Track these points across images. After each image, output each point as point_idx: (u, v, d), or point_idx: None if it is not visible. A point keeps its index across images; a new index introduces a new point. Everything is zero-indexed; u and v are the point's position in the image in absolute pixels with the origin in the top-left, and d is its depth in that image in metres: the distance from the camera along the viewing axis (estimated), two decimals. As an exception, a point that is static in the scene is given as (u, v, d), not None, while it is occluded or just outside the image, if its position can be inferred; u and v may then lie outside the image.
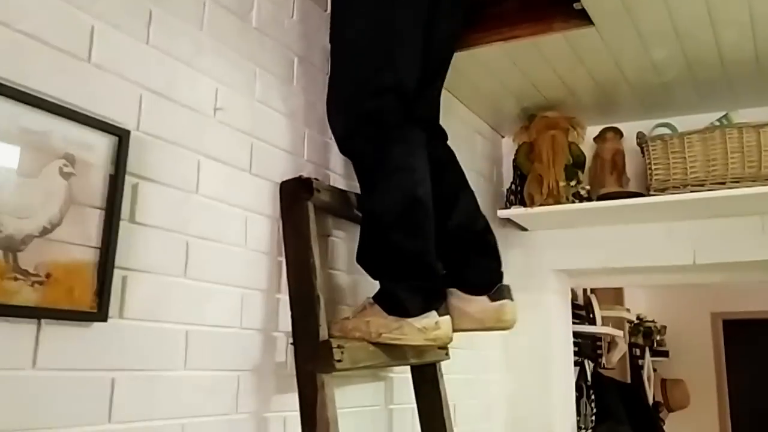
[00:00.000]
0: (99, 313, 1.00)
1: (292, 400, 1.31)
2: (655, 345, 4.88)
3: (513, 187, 2.48)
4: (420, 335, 1.34)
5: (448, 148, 1.65)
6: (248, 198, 1.33)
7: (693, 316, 5.23)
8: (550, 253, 2.50)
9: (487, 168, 2.51)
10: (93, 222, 1.01)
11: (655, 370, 4.73)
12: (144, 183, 1.11)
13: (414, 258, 1.37)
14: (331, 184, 1.57)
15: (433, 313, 1.35)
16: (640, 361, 4.48)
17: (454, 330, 1.47)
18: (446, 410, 1.63)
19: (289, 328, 1.36)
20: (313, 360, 1.30)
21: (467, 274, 1.53)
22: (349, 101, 1.44)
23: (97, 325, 1.01)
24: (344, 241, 1.61)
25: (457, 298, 1.50)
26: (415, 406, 1.67)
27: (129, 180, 1.08)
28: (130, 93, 1.10)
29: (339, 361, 1.29)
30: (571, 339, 2.71)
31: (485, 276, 1.52)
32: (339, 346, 1.30)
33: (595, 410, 2.78)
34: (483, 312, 1.49)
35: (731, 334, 5.27)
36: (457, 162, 1.65)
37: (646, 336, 4.72)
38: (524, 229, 2.53)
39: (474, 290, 1.49)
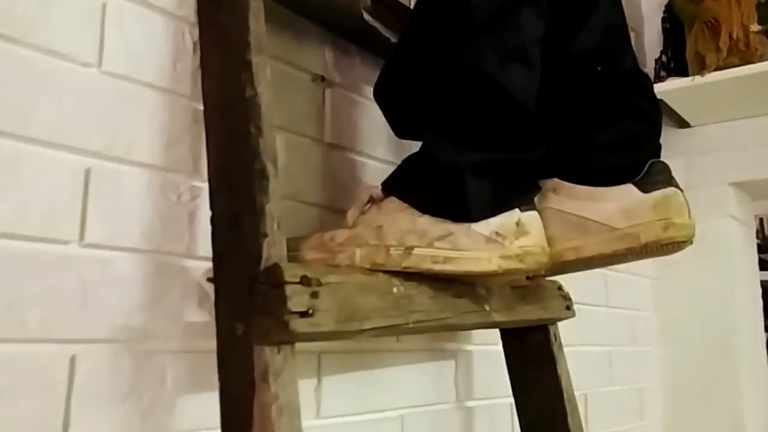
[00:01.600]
0: None
1: (210, 406, 0.58)
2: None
3: (663, 58, 1.63)
4: (492, 251, 0.59)
5: None
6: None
7: None
8: (727, 157, 1.64)
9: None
10: None
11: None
12: None
13: (517, 103, 0.64)
14: None
15: (515, 210, 0.62)
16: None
17: (569, 265, 0.72)
18: (573, 417, 0.83)
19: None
20: (246, 312, 0.54)
21: (592, 144, 0.75)
22: None
23: None
24: (345, 89, 0.84)
25: (568, 197, 0.73)
26: (512, 400, 0.89)
27: None
28: None
29: (305, 313, 0.52)
30: (760, 293, 1.81)
31: (629, 147, 0.74)
32: (305, 280, 0.54)
33: (800, 400, 1.87)
34: (629, 216, 0.71)
35: None
36: None
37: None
38: (684, 125, 1.67)
39: (605, 176, 0.72)
